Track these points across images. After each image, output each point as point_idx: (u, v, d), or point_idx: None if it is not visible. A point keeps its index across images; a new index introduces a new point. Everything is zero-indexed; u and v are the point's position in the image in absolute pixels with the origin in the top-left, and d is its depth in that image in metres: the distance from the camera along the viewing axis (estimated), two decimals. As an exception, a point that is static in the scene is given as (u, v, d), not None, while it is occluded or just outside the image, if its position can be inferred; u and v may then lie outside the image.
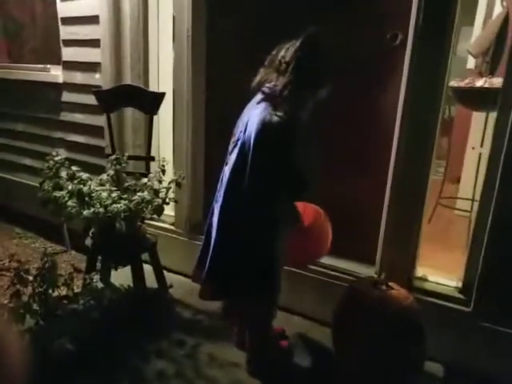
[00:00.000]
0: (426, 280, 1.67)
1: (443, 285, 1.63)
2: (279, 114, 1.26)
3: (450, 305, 1.55)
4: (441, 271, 1.72)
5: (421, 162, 1.55)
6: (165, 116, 2.26)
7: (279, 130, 1.26)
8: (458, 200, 2.85)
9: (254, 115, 1.32)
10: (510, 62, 1.37)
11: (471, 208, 2.39)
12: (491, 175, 1.45)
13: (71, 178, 1.67)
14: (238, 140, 1.37)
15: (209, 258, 1.46)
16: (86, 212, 1.61)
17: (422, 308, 1.44)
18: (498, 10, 3.22)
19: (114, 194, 1.63)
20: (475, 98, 2.16)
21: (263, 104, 1.31)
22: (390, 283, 1.44)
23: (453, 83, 2.21)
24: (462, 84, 2.18)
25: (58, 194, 1.60)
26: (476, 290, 1.50)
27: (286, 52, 1.29)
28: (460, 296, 1.56)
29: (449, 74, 1.52)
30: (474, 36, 3.93)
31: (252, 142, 1.29)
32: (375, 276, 1.65)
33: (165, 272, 2.09)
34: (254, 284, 1.40)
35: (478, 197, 1.57)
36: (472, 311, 1.51)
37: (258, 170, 1.30)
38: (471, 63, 3.72)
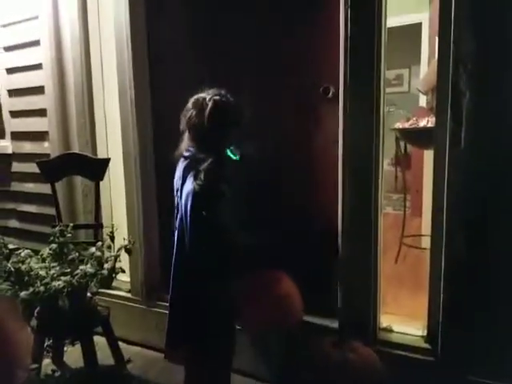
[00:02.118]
0: (391, 331, 1.59)
1: (409, 334, 1.56)
2: (199, 182, 1.35)
3: (417, 356, 1.47)
4: (407, 319, 1.66)
5: (368, 209, 1.53)
6: (117, 179, 2.21)
7: (203, 196, 1.35)
8: (423, 236, 2.84)
9: (185, 182, 1.40)
10: (438, 100, 1.41)
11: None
12: (437, 215, 1.44)
13: (7, 257, 1.57)
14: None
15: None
16: (23, 294, 1.50)
17: (388, 363, 1.36)
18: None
19: (52, 271, 1.53)
20: (421, 138, 2.22)
21: (188, 170, 1.41)
22: (351, 343, 1.36)
23: (398, 125, 2.28)
24: (406, 125, 2.24)
25: (-10, 277, 1.50)
26: (440, 339, 1.43)
27: (195, 118, 1.39)
28: (426, 346, 1.49)
29: (384, 118, 1.54)
30: (421, 74, 4.17)
31: (186, 213, 1.39)
32: (336, 334, 1.57)
33: (123, 344, 1.96)
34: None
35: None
36: (438, 362, 1.43)
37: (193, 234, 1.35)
38: (423, 100, 3.91)
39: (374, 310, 1.56)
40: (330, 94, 1.58)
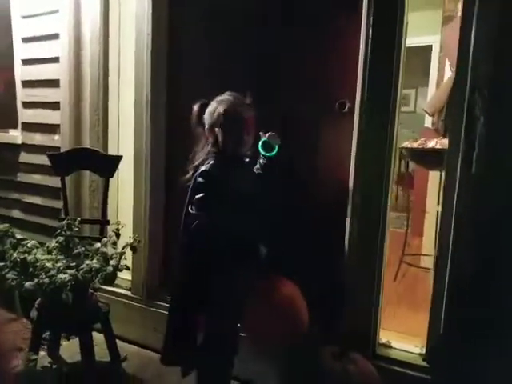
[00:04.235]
0: (389, 347, 1.61)
1: (407, 352, 1.57)
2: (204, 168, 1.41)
3: (414, 374, 1.48)
4: (405, 336, 1.67)
5: (375, 225, 1.55)
6: (125, 177, 2.22)
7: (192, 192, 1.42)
8: (423, 256, 2.86)
9: None
10: (452, 124, 1.44)
11: (433, 265, 2.40)
12: (444, 236, 1.46)
13: (15, 246, 1.57)
14: None
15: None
16: (27, 284, 1.50)
17: (385, 378, 1.37)
18: (448, 72, 3.49)
19: (58, 264, 1.53)
20: (428, 158, 2.25)
21: None
22: (351, 354, 1.37)
23: (406, 144, 2.31)
24: (414, 145, 2.27)
25: (-3, 265, 1.50)
26: (439, 358, 1.44)
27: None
28: (424, 364, 1.50)
29: (397, 135, 1.57)
30: (428, 96, 4.22)
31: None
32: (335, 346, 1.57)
33: (120, 342, 1.95)
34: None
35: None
36: (435, 381, 1.44)
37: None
38: (429, 121, 3.96)
39: (374, 324, 1.58)
40: (346, 108, 1.60)
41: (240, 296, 1.41)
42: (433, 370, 1.47)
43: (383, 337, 1.64)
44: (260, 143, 1.46)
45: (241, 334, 1.50)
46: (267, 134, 1.45)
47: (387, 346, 1.61)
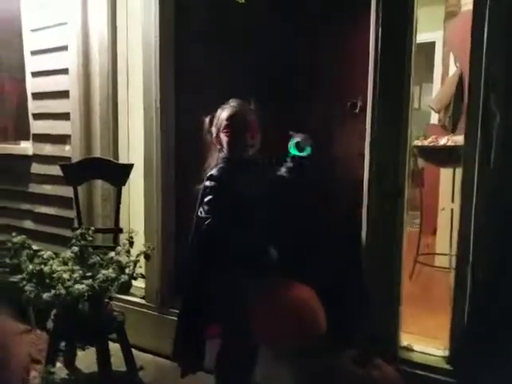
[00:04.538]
0: (411, 350, 1.57)
1: (430, 354, 1.54)
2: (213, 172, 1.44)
3: (437, 377, 1.45)
4: (426, 338, 1.64)
5: (392, 225, 1.53)
6: (136, 185, 2.23)
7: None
8: (438, 255, 2.82)
9: None
10: (469, 120, 1.42)
11: (449, 264, 2.37)
12: (464, 235, 1.43)
13: (31, 258, 1.57)
14: None
15: None
16: (45, 295, 1.50)
17: (408, 382, 1.34)
18: (452, 68, 3.47)
19: (75, 274, 1.53)
20: (440, 156, 2.22)
21: None
22: (374, 359, 1.34)
23: (417, 142, 2.29)
24: (425, 143, 2.25)
25: (15, 278, 1.50)
26: (463, 361, 1.41)
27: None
28: (447, 367, 1.47)
29: (410, 134, 1.55)
30: (434, 92, 4.20)
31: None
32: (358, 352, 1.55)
33: (135, 351, 1.94)
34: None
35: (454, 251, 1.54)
36: (460, 384, 1.41)
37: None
38: (434, 118, 3.93)
39: (395, 327, 1.55)
40: (358, 108, 1.59)
41: (252, 299, 1.39)
42: (457, 372, 1.44)
43: (403, 340, 1.62)
44: (293, 143, 1.46)
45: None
46: (299, 134, 1.47)
47: (409, 348, 1.58)
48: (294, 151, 1.47)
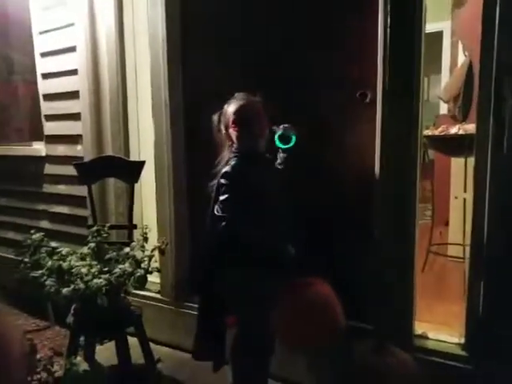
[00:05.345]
0: (426, 338, 1.58)
1: (445, 342, 1.55)
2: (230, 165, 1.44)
3: (454, 364, 1.46)
4: (441, 326, 1.64)
5: (405, 216, 1.53)
6: (147, 182, 2.25)
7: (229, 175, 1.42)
8: (449, 245, 2.81)
9: None
10: (480, 107, 1.41)
11: (463, 253, 2.36)
12: (478, 223, 1.43)
13: (50, 254, 1.61)
14: None
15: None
16: (65, 290, 1.54)
17: (424, 369, 1.35)
18: (461, 58, 3.43)
19: (93, 269, 1.56)
20: (451, 145, 2.21)
21: None
22: (389, 347, 1.35)
23: (427, 132, 2.28)
24: (436, 132, 2.24)
25: (35, 274, 1.54)
26: (479, 347, 1.42)
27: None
28: (463, 353, 1.47)
29: (421, 124, 1.55)
30: (442, 83, 4.16)
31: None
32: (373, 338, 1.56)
33: (152, 344, 1.97)
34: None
35: (468, 242, 1.54)
36: (476, 370, 1.41)
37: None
38: (444, 109, 3.89)
39: (409, 315, 1.56)
40: (368, 99, 1.59)
41: (271, 296, 1.40)
42: (473, 359, 1.44)
43: (418, 328, 1.62)
44: (276, 136, 1.47)
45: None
46: (281, 127, 1.47)
47: (423, 336, 1.59)
48: (279, 144, 1.48)
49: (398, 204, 1.55)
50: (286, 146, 1.48)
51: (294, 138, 1.46)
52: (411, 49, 1.47)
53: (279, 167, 1.54)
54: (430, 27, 4.31)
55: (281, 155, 1.53)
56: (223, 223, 1.38)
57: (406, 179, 1.52)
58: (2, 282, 2.78)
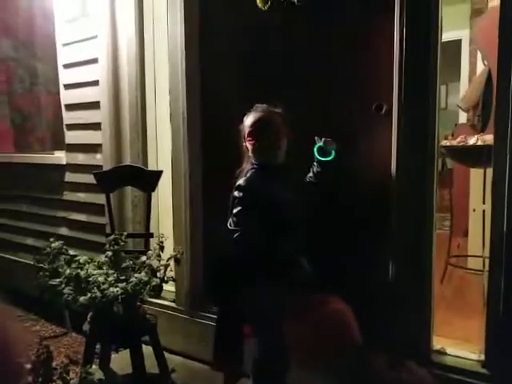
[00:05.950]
0: (444, 353, 1.54)
1: (464, 358, 1.51)
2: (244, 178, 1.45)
3: (473, 381, 1.42)
4: (460, 341, 1.60)
5: (421, 228, 1.51)
6: (164, 190, 2.29)
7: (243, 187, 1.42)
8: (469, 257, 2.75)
9: None
10: (498, 117, 1.39)
11: (483, 266, 2.30)
12: (497, 235, 1.40)
13: (68, 262, 1.64)
14: None
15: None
16: (82, 298, 1.57)
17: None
18: (480, 66, 3.39)
19: (110, 278, 1.59)
20: (469, 156, 2.17)
21: None
22: (406, 362, 1.33)
23: (445, 142, 2.24)
24: (454, 142, 2.20)
25: (54, 282, 1.57)
26: (499, 364, 1.38)
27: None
28: (483, 371, 1.43)
29: (438, 134, 1.53)
30: (461, 91, 4.10)
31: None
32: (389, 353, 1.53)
33: (166, 354, 1.98)
34: None
35: (487, 254, 1.50)
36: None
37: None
38: (463, 117, 3.83)
39: (427, 330, 1.53)
40: (383, 111, 1.58)
41: (285, 311, 1.38)
42: (493, 376, 1.40)
43: (436, 343, 1.59)
44: (315, 148, 1.48)
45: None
46: (323, 139, 1.47)
47: (442, 352, 1.55)
48: (318, 156, 1.48)
49: (415, 215, 1.52)
50: (323, 159, 1.48)
51: (333, 153, 1.47)
52: (427, 60, 1.46)
53: (311, 180, 1.53)
54: (448, 35, 4.30)
55: (315, 169, 1.52)
56: (235, 236, 1.38)
57: (422, 190, 1.50)
58: (21, 287, 2.85)
